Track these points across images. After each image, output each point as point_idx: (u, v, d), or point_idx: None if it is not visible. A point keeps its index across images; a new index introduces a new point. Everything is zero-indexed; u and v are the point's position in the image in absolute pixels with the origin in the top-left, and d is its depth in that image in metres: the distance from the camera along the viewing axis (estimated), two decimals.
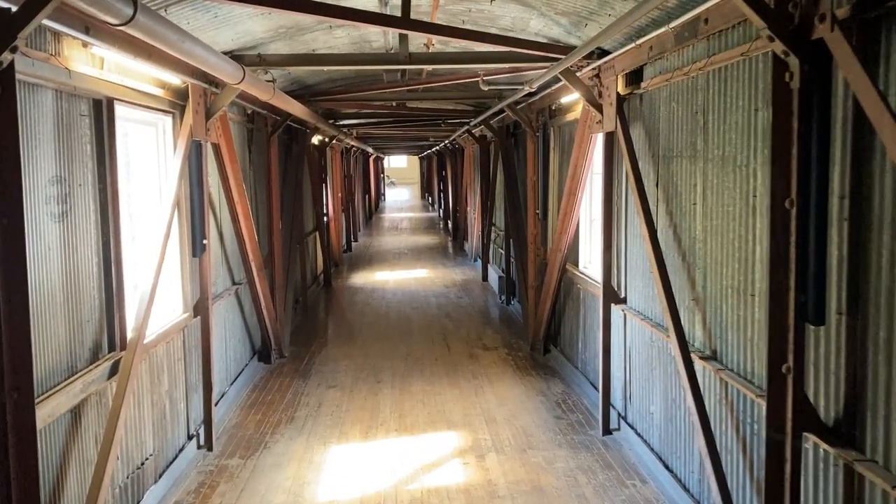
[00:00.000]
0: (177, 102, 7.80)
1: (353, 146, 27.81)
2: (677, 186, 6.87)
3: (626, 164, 7.61)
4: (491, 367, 11.58)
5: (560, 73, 8.12)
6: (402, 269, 22.87)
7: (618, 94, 7.88)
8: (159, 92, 7.34)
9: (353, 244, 29.85)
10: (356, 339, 13.77)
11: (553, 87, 10.09)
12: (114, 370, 6.10)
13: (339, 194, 24.71)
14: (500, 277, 17.16)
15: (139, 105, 6.93)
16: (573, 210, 9.93)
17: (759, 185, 5.32)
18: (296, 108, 10.08)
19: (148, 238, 7.27)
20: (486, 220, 19.97)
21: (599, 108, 8.32)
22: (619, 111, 7.86)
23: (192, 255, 8.23)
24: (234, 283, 10.67)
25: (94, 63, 5.91)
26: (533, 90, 8.96)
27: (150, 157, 7.76)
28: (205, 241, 8.27)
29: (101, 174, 6.10)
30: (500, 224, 18.68)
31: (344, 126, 19.54)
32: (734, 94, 5.68)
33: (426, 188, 60.18)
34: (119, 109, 6.51)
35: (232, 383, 10.39)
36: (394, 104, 13.98)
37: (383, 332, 14.28)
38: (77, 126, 5.70)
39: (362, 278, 21.32)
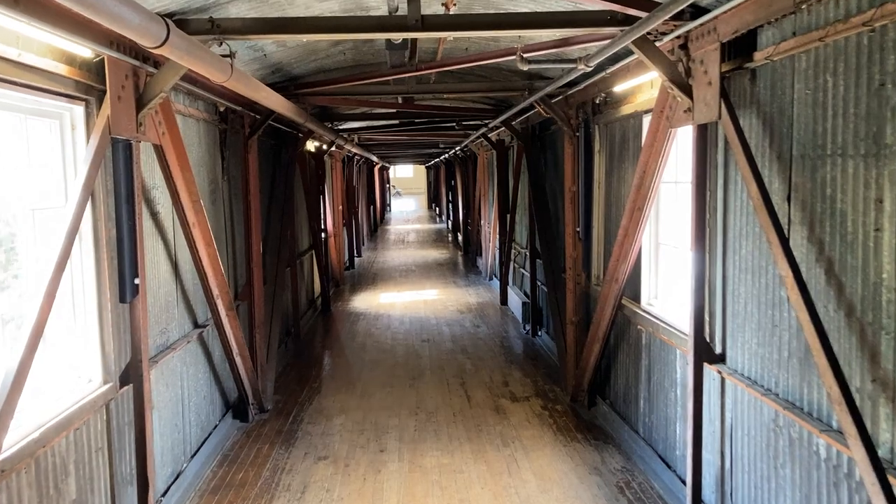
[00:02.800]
0: (92, 85, 5.46)
1: (355, 154, 25.50)
2: (835, 202, 4.48)
3: (742, 168, 5.22)
4: (524, 428, 9.16)
5: (633, 42, 5.76)
6: (410, 290, 20.48)
7: (721, 70, 5.50)
8: (59, 68, 5.00)
9: (357, 259, 27.51)
10: (356, 383, 11.37)
11: (608, 71, 7.72)
12: None
13: (341, 207, 22.37)
14: (523, 304, 14.76)
15: (17, 84, 4.60)
16: (637, 230, 7.55)
17: None
18: (273, 101, 7.72)
19: (37, 282, 4.89)
20: (505, 235, 17.58)
21: (688, 92, 5.95)
22: (724, 94, 5.48)
23: (120, 299, 5.88)
24: (196, 326, 8.31)
25: None
26: (589, 69, 6.62)
27: (53, 164, 5.41)
28: (137, 281, 5.91)
29: None
30: (521, 241, 16.29)
31: (344, 131, 17.22)
32: None
33: (433, 198, 57.89)
34: None
35: (193, 456, 8.02)
36: (399, 100, 11.62)
37: (388, 373, 11.88)
38: None
39: (365, 301, 18.94)
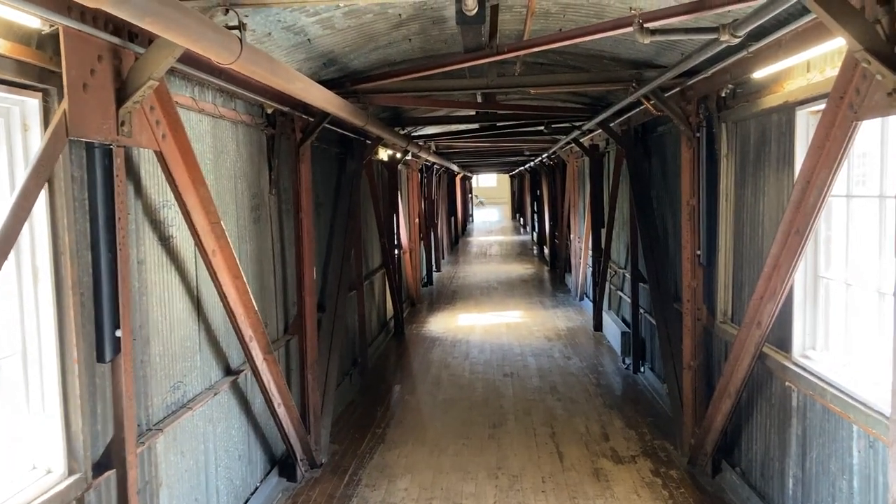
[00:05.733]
0: (52, 71, 3.98)
1: (434, 163, 23.97)
2: None
3: None
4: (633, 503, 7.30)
5: None
6: (491, 311, 18.72)
7: None
8: None
9: (435, 275, 25.92)
10: (426, 430, 9.71)
11: (751, 49, 5.80)
12: None
13: (417, 220, 20.85)
14: (622, 334, 12.81)
15: None
16: (794, 260, 5.61)
17: None
18: (314, 95, 6.12)
19: None
20: (600, 252, 15.64)
21: (893, 65, 4.03)
22: None
23: (97, 358, 4.38)
24: (228, 373, 6.82)
25: None
26: (736, 40, 4.73)
27: None
28: (118, 333, 4.40)
29: None
30: (619, 259, 14.34)
31: (418, 137, 15.67)
32: None
33: (518, 208, 55.99)
34: None
35: None
36: (479, 98, 9.94)
37: (464, 418, 10.17)
38: None
39: (442, 323, 17.30)
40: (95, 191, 4.27)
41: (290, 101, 7.85)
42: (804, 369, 5.99)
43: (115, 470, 4.51)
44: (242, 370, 7.02)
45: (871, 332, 5.29)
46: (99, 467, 4.43)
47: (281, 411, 7.41)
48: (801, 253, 5.54)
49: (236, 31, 4.25)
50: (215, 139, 6.60)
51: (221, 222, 5.81)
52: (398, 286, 16.36)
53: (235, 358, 6.98)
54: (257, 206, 7.73)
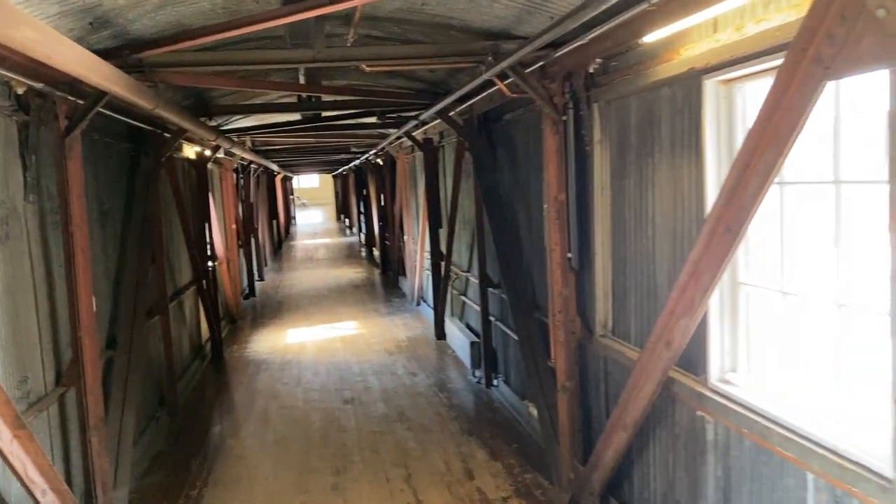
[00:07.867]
0: None
1: (251, 162, 21.78)
2: None
3: None
4: None
5: None
6: (323, 324, 16.95)
7: None
8: None
9: (258, 284, 23.65)
10: (255, 487, 7.89)
11: (652, 2, 4.59)
12: None
13: (234, 226, 18.66)
14: (471, 344, 11.56)
15: None
16: (721, 266, 4.45)
17: None
18: (65, 55, 4.16)
19: None
20: (440, 255, 14.35)
21: None
22: None
23: None
24: None
25: None
26: None
27: None
28: None
29: None
30: (462, 262, 13.11)
31: (230, 131, 13.62)
32: None
33: (342, 209, 54.11)
34: None
35: None
36: (301, 78, 8.25)
37: (301, 467, 8.43)
38: None
39: (269, 341, 15.33)
40: None
41: (47, 76, 5.80)
42: (726, 397, 4.88)
43: None
44: None
45: (822, 354, 4.23)
46: None
47: (47, 500, 5.39)
48: (731, 256, 4.39)
49: None
50: None
51: None
52: (214, 302, 14.23)
53: None
54: (5, 218, 5.65)
